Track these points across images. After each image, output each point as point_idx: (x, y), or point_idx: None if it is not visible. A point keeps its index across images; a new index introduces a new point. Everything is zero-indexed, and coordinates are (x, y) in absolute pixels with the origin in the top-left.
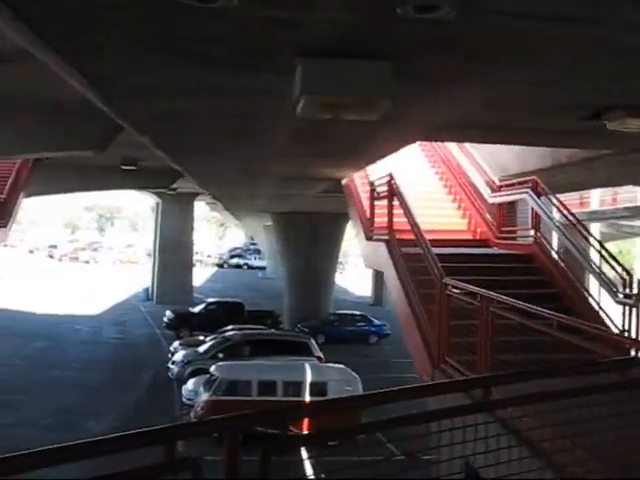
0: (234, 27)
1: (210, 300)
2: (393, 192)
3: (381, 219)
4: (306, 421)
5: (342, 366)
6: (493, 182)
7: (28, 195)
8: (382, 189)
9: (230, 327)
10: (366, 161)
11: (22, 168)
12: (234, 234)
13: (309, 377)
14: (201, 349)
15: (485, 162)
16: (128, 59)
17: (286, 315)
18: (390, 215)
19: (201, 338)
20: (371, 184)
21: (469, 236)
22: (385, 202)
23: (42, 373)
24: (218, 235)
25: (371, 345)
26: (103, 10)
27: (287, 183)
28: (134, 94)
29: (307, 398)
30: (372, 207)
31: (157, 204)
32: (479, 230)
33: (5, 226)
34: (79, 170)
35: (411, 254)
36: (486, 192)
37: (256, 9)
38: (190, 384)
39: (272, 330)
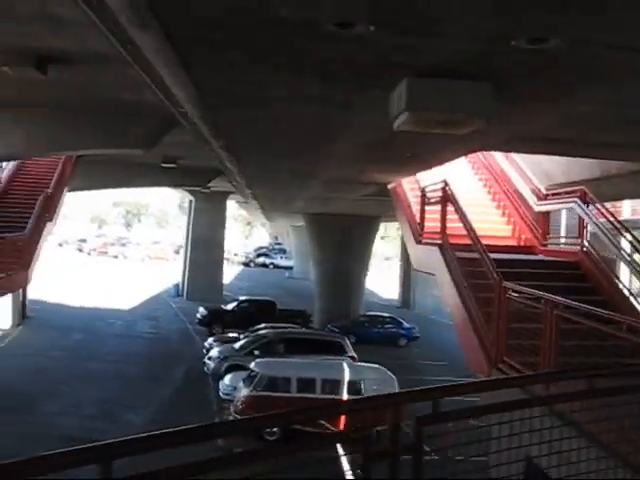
0: (361, 50)
1: (242, 298)
2: (447, 198)
3: (432, 224)
4: (344, 419)
5: (378, 366)
6: (539, 190)
7: (71, 190)
8: (434, 195)
9: (262, 325)
10: (423, 168)
11: (66, 164)
12: (259, 233)
13: (347, 376)
14: (237, 346)
15: (530, 171)
16: (250, 75)
17: (316, 315)
18: (444, 220)
19: (234, 335)
20: (422, 190)
21: (514, 242)
22: (436, 207)
23: (80, 365)
24: (244, 234)
25: (400, 347)
26: (247, 35)
27: (334, 187)
28: (236, 103)
29: (344, 396)
30: (423, 212)
31: (190, 202)
32: (524, 237)
33: (51, 220)
34: (119, 167)
35: (464, 258)
36: (532, 200)
37: (388, 35)
38: (227, 379)
39: (306, 329)
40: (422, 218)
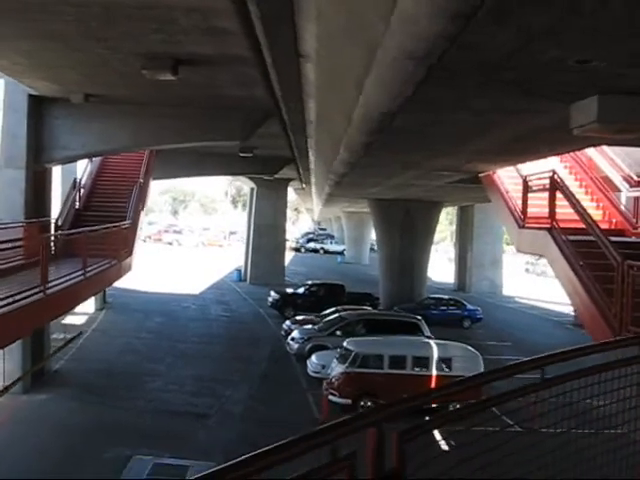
0: (578, 76)
1: (312, 282)
2: (556, 186)
3: (535, 209)
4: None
5: (464, 344)
6: (631, 177)
7: (153, 179)
8: (539, 183)
9: (336, 308)
10: (530, 159)
11: (151, 156)
12: (303, 219)
13: (435, 353)
14: (317, 327)
15: (620, 159)
16: (476, 92)
17: (382, 298)
18: (552, 206)
19: (312, 317)
20: (524, 178)
21: (605, 226)
22: (539, 194)
23: (169, 345)
24: (291, 220)
25: (465, 329)
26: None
27: (428, 175)
28: (430, 109)
29: (434, 373)
30: (526, 199)
31: (252, 189)
32: (614, 220)
33: (143, 208)
34: (194, 157)
35: (575, 240)
36: (623, 186)
37: (612, 67)
38: (315, 358)
39: (384, 310)
40: (525, 204)
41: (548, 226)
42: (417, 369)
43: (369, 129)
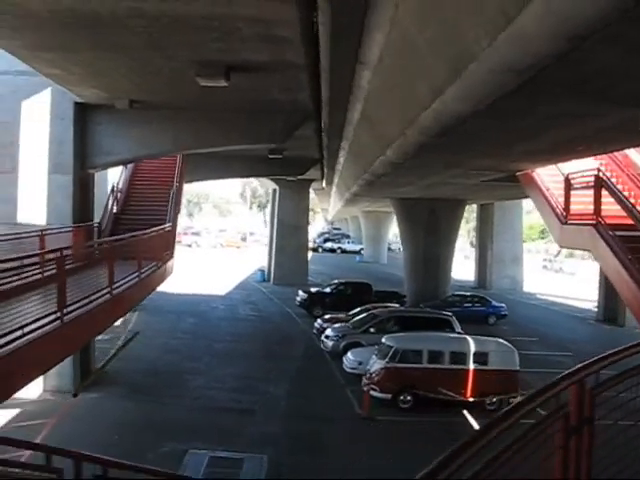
0: None
1: (339, 281)
2: (602, 183)
3: (577, 207)
4: (470, 387)
5: (500, 340)
6: None
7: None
8: (582, 180)
9: (366, 306)
10: (578, 158)
11: (183, 160)
12: (318, 219)
13: (472, 348)
14: (350, 325)
15: None
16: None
17: (407, 296)
18: (598, 203)
19: (341, 316)
20: (567, 176)
21: None
22: (581, 192)
23: (205, 345)
24: None
25: (490, 325)
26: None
27: (467, 174)
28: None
29: (471, 367)
30: (568, 196)
31: (274, 190)
32: None
33: (179, 212)
34: (222, 159)
35: (622, 235)
36: None
37: None
38: (351, 355)
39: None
40: (568, 201)
41: (593, 222)
42: (455, 364)
43: (433, 132)
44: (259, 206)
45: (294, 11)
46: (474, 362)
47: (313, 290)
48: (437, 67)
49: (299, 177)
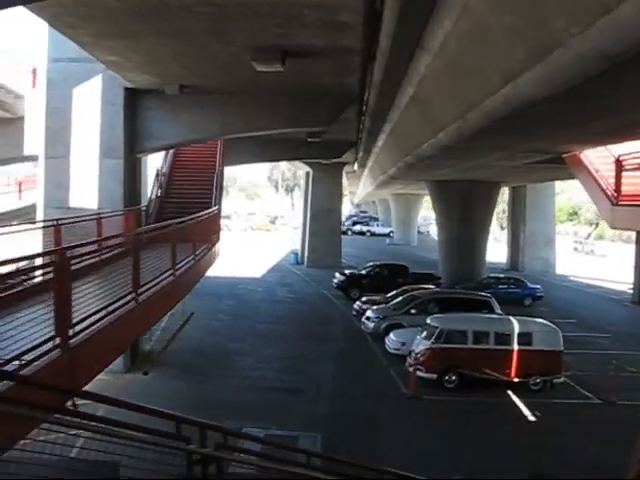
0: None
1: (375, 263)
2: None
3: (629, 188)
4: (515, 367)
5: (543, 320)
6: None
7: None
8: (632, 162)
9: (404, 288)
10: (628, 141)
11: (224, 144)
12: (345, 202)
13: (517, 328)
14: (391, 306)
15: None
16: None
17: (442, 278)
18: None
19: (378, 297)
20: (617, 158)
21: None
22: (634, 173)
23: (247, 326)
24: None
25: (526, 307)
26: None
27: (514, 156)
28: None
29: (515, 347)
30: (619, 177)
31: (307, 173)
32: None
33: (221, 194)
34: (259, 143)
35: None
36: None
37: None
38: (394, 336)
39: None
40: (619, 183)
41: None
42: (499, 344)
43: (498, 116)
44: (286, 189)
45: None
46: (518, 343)
47: (350, 272)
48: (514, 53)
49: (333, 160)
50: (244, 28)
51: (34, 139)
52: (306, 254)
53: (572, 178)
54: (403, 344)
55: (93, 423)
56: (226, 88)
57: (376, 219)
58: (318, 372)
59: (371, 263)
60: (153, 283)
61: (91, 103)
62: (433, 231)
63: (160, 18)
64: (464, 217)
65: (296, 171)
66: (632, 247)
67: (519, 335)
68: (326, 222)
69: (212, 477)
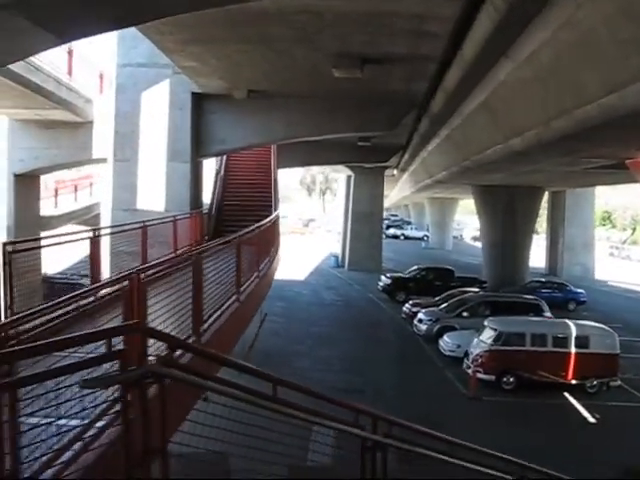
0: None
1: (420, 266)
2: None
3: None
4: (572, 369)
5: (599, 324)
6: None
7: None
8: None
9: (453, 291)
10: None
11: (278, 148)
12: None
13: (574, 331)
14: (443, 309)
15: None
16: None
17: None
18: None
19: (430, 300)
20: None
21: None
22: None
23: (302, 328)
24: None
25: (570, 311)
26: None
27: (576, 162)
28: None
29: (573, 350)
30: None
31: (348, 177)
32: None
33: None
34: (309, 147)
35: None
36: None
37: None
38: (448, 338)
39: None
40: None
41: None
42: (557, 347)
43: (591, 124)
44: (320, 193)
45: (457, 8)
46: (576, 345)
47: (396, 275)
48: (623, 65)
49: (376, 164)
50: (333, 36)
51: (102, 143)
52: (347, 257)
53: (622, 183)
54: (458, 346)
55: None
56: (291, 92)
57: (409, 222)
58: (376, 373)
59: (415, 267)
60: (248, 283)
61: (159, 107)
62: (466, 235)
63: (253, 25)
64: (508, 222)
65: (328, 174)
66: None
67: (576, 338)
68: (367, 225)
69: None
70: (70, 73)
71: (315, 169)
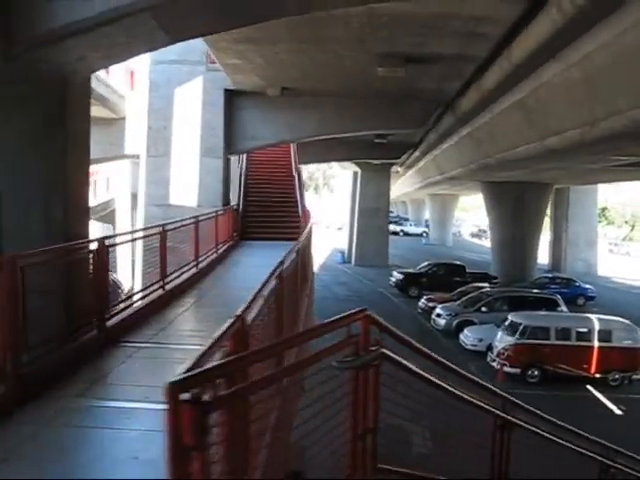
0: None
1: (432, 262)
2: None
3: None
4: (595, 363)
5: (621, 318)
6: None
7: None
8: None
9: (469, 287)
10: None
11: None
12: None
13: (597, 326)
14: (461, 304)
15: None
16: None
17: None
18: None
19: (446, 295)
20: None
21: None
22: None
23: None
24: None
25: (579, 306)
26: None
27: (606, 159)
28: None
29: (596, 344)
30: None
31: (355, 173)
32: None
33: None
34: (325, 144)
35: None
36: None
37: None
38: (469, 332)
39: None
40: None
41: None
42: (580, 341)
43: None
44: (315, 189)
45: (517, 11)
46: (599, 339)
47: (408, 271)
48: None
49: (387, 161)
50: (386, 36)
51: (133, 139)
52: (353, 253)
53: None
54: (480, 340)
55: None
56: (324, 90)
57: (406, 219)
58: None
59: (426, 262)
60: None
61: (191, 104)
62: (464, 231)
63: (311, 26)
64: (517, 217)
65: (326, 171)
66: None
67: (599, 332)
68: (374, 221)
69: None
70: (107, 70)
71: (313, 165)
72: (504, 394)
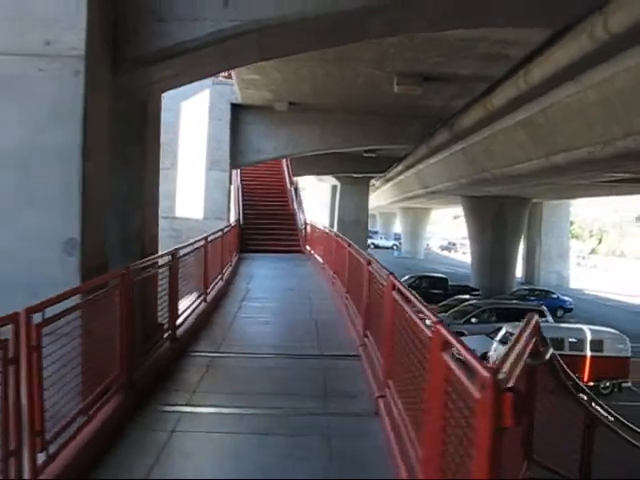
0: None
1: (415, 275)
2: None
3: None
4: (587, 371)
5: (611, 329)
6: None
7: None
8: None
9: (453, 298)
10: None
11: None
12: None
13: (589, 336)
14: (450, 315)
15: None
16: None
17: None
18: None
19: (433, 308)
20: None
21: None
22: None
23: None
24: None
25: (559, 318)
26: None
27: (600, 175)
28: None
29: (588, 354)
30: None
31: (334, 186)
32: None
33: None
34: (314, 156)
35: None
36: None
37: None
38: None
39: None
40: None
41: None
42: (573, 350)
43: None
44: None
45: (545, 35)
46: (591, 349)
47: None
48: None
49: (365, 174)
50: (409, 57)
51: None
52: None
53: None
54: (473, 351)
55: None
56: (328, 105)
57: (375, 232)
58: None
59: (407, 276)
60: None
61: (198, 117)
62: (433, 244)
63: (345, 46)
64: (496, 232)
65: (297, 183)
66: (628, 261)
67: (591, 342)
68: (353, 234)
69: None
70: None
71: (321, 179)
72: (590, 393)
